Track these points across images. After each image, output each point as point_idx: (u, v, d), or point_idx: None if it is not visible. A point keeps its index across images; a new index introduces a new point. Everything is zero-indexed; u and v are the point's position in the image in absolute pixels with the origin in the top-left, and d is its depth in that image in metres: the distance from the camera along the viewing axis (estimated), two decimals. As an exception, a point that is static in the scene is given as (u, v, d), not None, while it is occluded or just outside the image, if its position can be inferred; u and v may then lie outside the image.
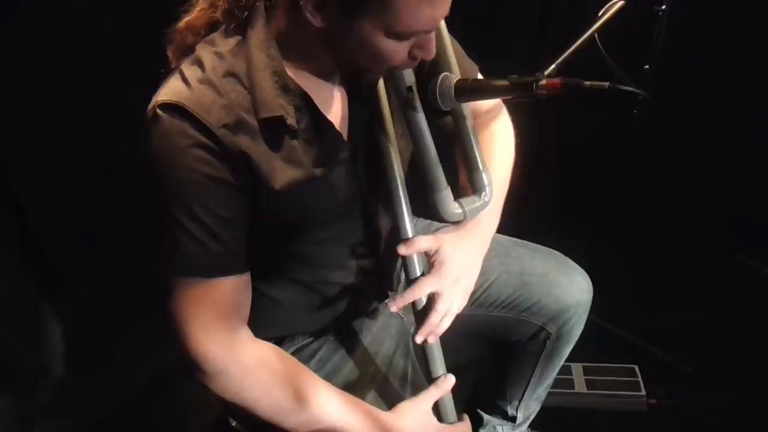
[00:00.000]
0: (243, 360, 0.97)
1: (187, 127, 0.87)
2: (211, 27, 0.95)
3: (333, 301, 1.14)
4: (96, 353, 2.04)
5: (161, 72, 0.96)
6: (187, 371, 0.98)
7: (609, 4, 1.04)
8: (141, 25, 1.71)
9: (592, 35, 0.99)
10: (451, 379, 1.09)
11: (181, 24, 0.96)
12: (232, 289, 0.97)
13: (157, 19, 1.04)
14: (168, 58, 0.97)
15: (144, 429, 1.84)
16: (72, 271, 2.10)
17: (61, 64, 1.82)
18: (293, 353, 1.14)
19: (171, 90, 0.89)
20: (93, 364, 1.99)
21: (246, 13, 0.92)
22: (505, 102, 1.25)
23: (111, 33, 1.82)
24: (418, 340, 1.07)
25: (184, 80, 0.90)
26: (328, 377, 1.06)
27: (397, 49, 0.88)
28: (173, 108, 0.87)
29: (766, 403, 1.70)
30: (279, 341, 1.13)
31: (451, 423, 1.11)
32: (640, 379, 1.78)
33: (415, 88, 0.99)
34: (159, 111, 0.88)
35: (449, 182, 1.05)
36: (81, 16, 1.77)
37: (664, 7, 1.55)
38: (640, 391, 1.75)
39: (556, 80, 0.85)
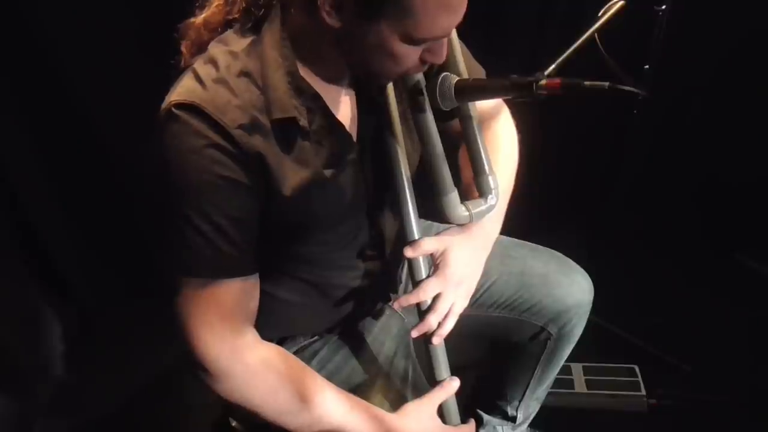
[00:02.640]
0: (248, 362, 0.97)
1: (202, 128, 0.87)
2: (226, 25, 0.95)
3: (337, 303, 1.14)
4: (96, 353, 2.04)
5: (172, 63, 0.96)
6: (192, 372, 0.98)
7: (609, 4, 1.03)
8: (142, 26, 1.72)
9: (592, 35, 0.99)
10: (456, 382, 1.09)
11: (198, 20, 0.95)
12: (240, 290, 0.96)
13: (158, 19, 1.04)
14: (173, 54, 0.97)
15: (144, 429, 1.84)
16: (72, 271, 2.10)
17: (61, 64, 1.82)
18: (294, 353, 1.13)
19: (185, 89, 0.89)
20: (93, 364, 1.99)
21: (262, 12, 0.92)
22: (507, 102, 1.25)
23: (111, 33, 1.82)
24: (414, 334, 1.07)
25: (199, 80, 0.89)
26: (329, 378, 1.06)
27: (410, 54, 0.88)
28: (188, 108, 0.87)
29: (766, 403, 1.70)
30: (281, 341, 1.13)
31: (455, 425, 1.11)
32: (640, 379, 1.78)
33: (425, 91, 1.00)
34: (174, 110, 0.87)
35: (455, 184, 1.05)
36: (81, 16, 1.77)
37: (664, 7, 1.55)
38: (640, 391, 1.75)
39: (556, 80, 0.85)
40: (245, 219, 0.93)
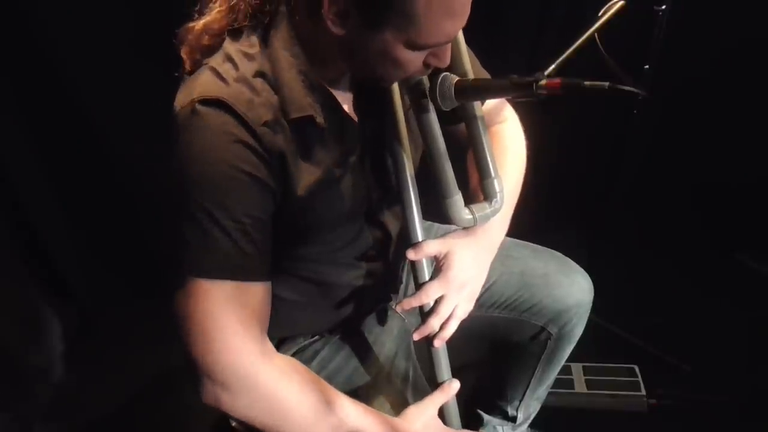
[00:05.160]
0: (273, 368, 0.92)
1: (229, 123, 0.86)
2: (230, 30, 0.93)
3: (339, 303, 1.14)
4: (96, 353, 2.04)
5: (176, 75, 0.95)
6: (196, 388, 0.91)
7: (609, 4, 1.04)
8: (142, 26, 1.72)
9: (592, 35, 0.99)
10: (456, 385, 1.09)
11: (198, 25, 0.94)
12: (262, 294, 0.93)
13: (157, 20, 1.03)
14: (174, 55, 0.96)
15: (144, 429, 1.84)
16: (72, 271, 2.10)
17: (61, 64, 1.82)
18: (295, 353, 1.14)
19: (208, 85, 0.88)
20: (93, 364, 1.99)
21: (268, 19, 0.91)
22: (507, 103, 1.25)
23: (112, 33, 1.81)
24: (416, 337, 1.07)
25: (220, 77, 0.88)
26: (330, 378, 1.06)
27: (413, 59, 0.88)
28: (215, 103, 0.86)
29: (766, 403, 1.70)
30: (281, 342, 1.13)
31: (455, 427, 1.11)
32: (640, 379, 1.78)
33: (428, 93, 0.99)
34: (198, 106, 0.86)
35: (459, 187, 1.04)
36: (81, 16, 1.77)
37: (664, 7, 1.55)
38: (640, 391, 1.75)
39: (556, 80, 0.85)
40: (264, 219, 0.91)
